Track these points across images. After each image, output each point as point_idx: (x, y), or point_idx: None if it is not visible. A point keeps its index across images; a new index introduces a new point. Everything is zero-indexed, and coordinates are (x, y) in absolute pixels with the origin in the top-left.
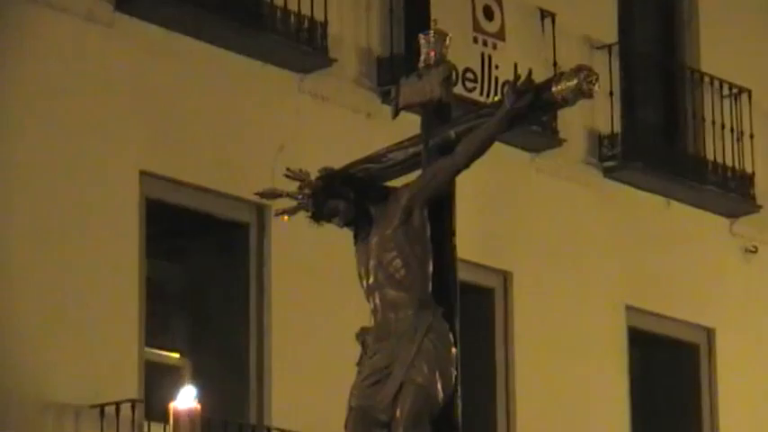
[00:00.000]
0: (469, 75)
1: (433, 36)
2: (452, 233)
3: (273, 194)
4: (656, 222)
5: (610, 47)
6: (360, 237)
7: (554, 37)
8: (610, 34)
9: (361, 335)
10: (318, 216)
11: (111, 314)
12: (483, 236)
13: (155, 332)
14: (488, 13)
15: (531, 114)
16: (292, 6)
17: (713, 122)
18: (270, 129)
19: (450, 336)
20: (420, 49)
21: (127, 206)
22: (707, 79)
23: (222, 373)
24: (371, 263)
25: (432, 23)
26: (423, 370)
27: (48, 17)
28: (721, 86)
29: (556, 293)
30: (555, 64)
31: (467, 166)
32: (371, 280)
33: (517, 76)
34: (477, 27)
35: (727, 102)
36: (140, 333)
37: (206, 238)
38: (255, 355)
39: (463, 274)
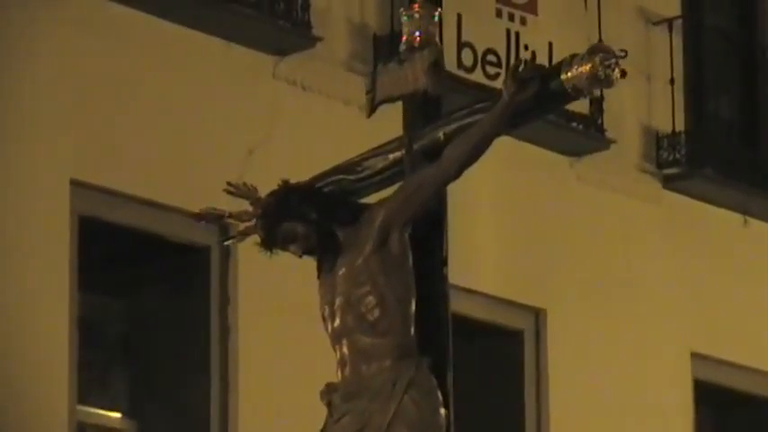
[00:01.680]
0: (491, 57)
1: (418, 11)
2: (443, 262)
3: (215, 216)
4: (731, 245)
5: (671, 22)
6: (324, 268)
7: (599, 9)
8: (671, 6)
9: (327, 393)
10: (271, 243)
11: (34, 363)
12: (509, 265)
13: (89, 387)
14: None
15: (536, 108)
16: None
17: None
18: (237, 126)
19: (439, 394)
20: (402, 28)
21: (54, 225)
22: None
23: None
24: (338, 301)
25: None
26: None
27: None
28: None
29: (600, 337)
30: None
31: (458, 175)
32: (338, 323)
33: (519, 62)
34: None
35: None
36: (71, 387)
37: (155, 266)
38: (218, 414)
39: (484, 313)
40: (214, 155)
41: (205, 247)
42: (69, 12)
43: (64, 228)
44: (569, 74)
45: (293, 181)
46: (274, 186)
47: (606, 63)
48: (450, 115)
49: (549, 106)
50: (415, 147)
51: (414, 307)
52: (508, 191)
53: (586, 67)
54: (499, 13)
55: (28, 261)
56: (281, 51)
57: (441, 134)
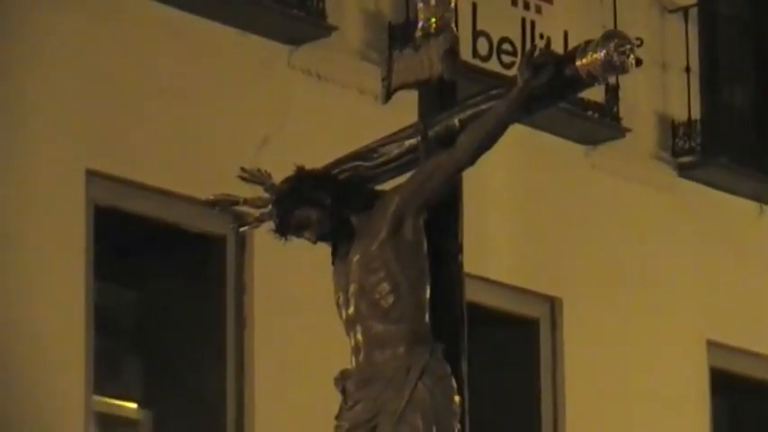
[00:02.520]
0: (507, 46)
1: None
2: (459, 248)
3: (228, 203)
4: (746, 234)
5: (686, 10)
6: (338, 254)
7: None
8: None
9: (341, 380)
10: (284, 229)
11: (51, 354)
12: (524, 253)
13: (105, 376)
14: None
15: (551, 95)
16: None
17: None
18: (252, 115)
19: (453, 380)
20: (417, 14)
21: (70, 215)
22: None
23: (190, 429)
24: (352, 288)
25: None
26: (415, 424)
27: None
28: None
29: (615, 325)
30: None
31: (472, 162)
32: (352, 310)
33: (534, 48)
34: None
35: None
36: (87, 377)
37: (170, 256)
38: (235, 405)
39: (500, 302)
40: (229, 144)
41: (221, 237)
42: (85, 4)
43: (80, 217)
44: (584, 60)
45: (308, 168)
46: (289, 175)
47: (621, 49)
48: (465, 101)
49: (563, 93)
50: (430, 133)
51: (428, 294)
52: (523, 179)
53: (601, 54)
54: (514, 2)
55: (44, 250)
56: (295, 41)
57: (456, 121)
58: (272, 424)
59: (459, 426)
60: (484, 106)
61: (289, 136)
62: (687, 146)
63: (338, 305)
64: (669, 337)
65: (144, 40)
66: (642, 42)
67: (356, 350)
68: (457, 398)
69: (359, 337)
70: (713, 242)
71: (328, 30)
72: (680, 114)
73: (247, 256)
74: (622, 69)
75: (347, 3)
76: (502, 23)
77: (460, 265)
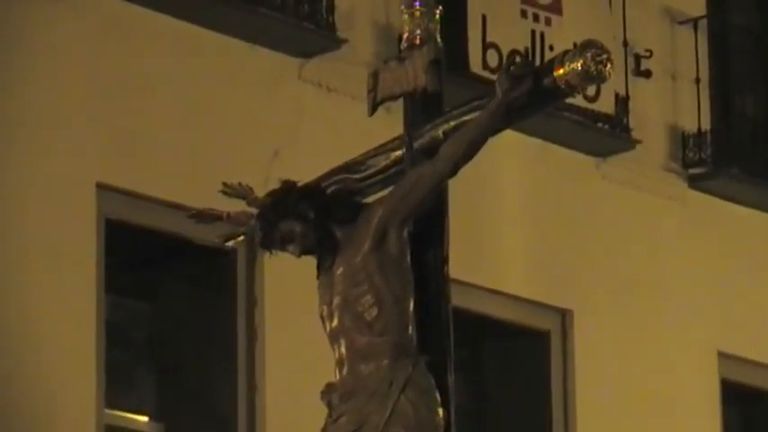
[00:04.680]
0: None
1: (419, 9)
2: (445, 260)
3: (212, 217)
4: (756, 244)
5: (696, 21)
6: (323, 267)
7: (624, 9)
8: (696, 5)
9: (327, 394)
10: (268, 243)
11: (63, 367)
12: (535, 265)
13: (116, 389)
14: None
15: (530, 105)
16: None
17: None
18: (263, 128)
19: (436, 393)
20: (403, 25)
21: (81, 228)
22: None
23: None
24: (336, 300)
25: None
26: None
27: None
28: None
29: (627, 337)
30: (626, 44)
31: (453, 172)
32: (335, 323)
33: (512, 59)
34: None
35: None
36: (99, 391)
37: (181, 269)
38: (246, 417)
39: (511, 314)
40: (240, 157)
41: (231, 250)
42: (94, 16)
43: (91, 230)
44: (561, 70)
45: (292, 181)
46: (272, 189)
47: (598, 59)
48: (450, 112)
49: (542, 103)
50: (415, 145)
51: (411, 306)
52: (535, 192)
53: (578, 64)
54: (524, 14)
55: (55, 263)
56: (306, 53)
57: (440, 132)
58: None
59: None
60: (467, 117)
61: (300, 148)
62: (697, 157)
63: (322, 318)
64: (680, 349)
65: (154, 54)
66: (652, 54)
67: (340, 363)
68: (440, 411)
69: (343, 350)
70: (724, 253)
71: (338, 42)
72: (690, 125)
73: (258, 268)
74: (600, 79)
75: (357, 16)
76: (512, 35)
77: (446, 277)
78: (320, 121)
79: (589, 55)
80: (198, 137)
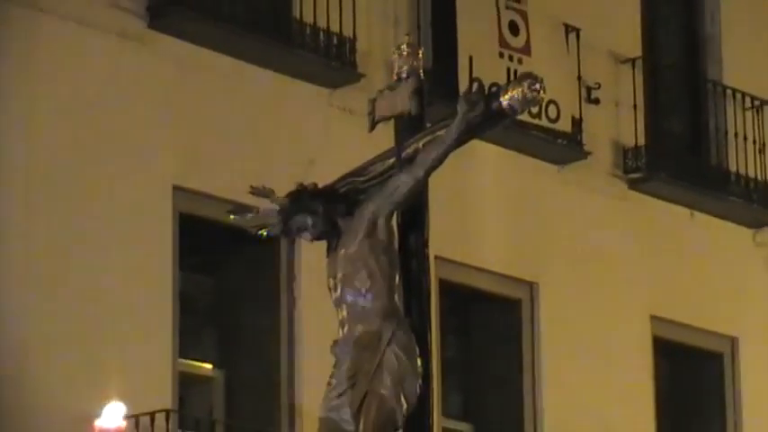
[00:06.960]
0: (495, 90)
1: (406, 49)
2: (425, 243)
3: (244, 211)
4: (681, 233)
5: (634, 61)
6: (330, 249)
7: (579, 51)
8: (634, 48)
9: (333, 347)
10: (288, 231)
11: (145, 327)
12: (510, 247)
13: (188, 344)
14: (514, 29)
15: (484, 123)
16: (321, 23)
17: (736, 134)
18: (300, 143)
19: (416, 347)
20: (394, 63)
21: (160, 220)
22: (729, 92)
23: (254, 385)
24: (339, 275)
25: (405, 38)
26: (385, 382)
27: (82, 35)
28: (743, 99)
29: (582, 304)
30: (580, 78)
31: (427, 176)
32: (338, 293)
33: (470, 87)
34: (502, 42)
35: (749, 114)
36: (174, 345)
37: (237, 252)
38: (287, 367)
39: (490, 285)
40: (284, 165)
41: (276, 236)
42: (171, 56)
43: (168, 223)
44: (506, 96)
45: (306, 184)
46: (290, 191)
47: (532, 87)
48: (429, 128)
49: (493, 122)
50: (403, 155)
51: (397, 279)
52: (509, 191)
53: (518, 91)
54: (501, 55)
55: (140, 249)
56: (333, 85)
57: (421, 144)
58: (316, 379)
59: (420, 383)
60: (439, 132)
61: (329, 158)
62: (635, 165)
63: (329, 289)
64: (622, 314)
65: (218, 87)
66: (600, 86)
67: (342, 323)
68: (420, 361)
69: (344, 313)
70: (656, 239)
71: (359, 77)
72: (629, 141)
73: (296, 250)
74: (534, 103)
75: (374, 56)
76: (492, 71)
77: (426, 256)
78: (345, 138)
79: (526, 84)
80: (250, 149)
